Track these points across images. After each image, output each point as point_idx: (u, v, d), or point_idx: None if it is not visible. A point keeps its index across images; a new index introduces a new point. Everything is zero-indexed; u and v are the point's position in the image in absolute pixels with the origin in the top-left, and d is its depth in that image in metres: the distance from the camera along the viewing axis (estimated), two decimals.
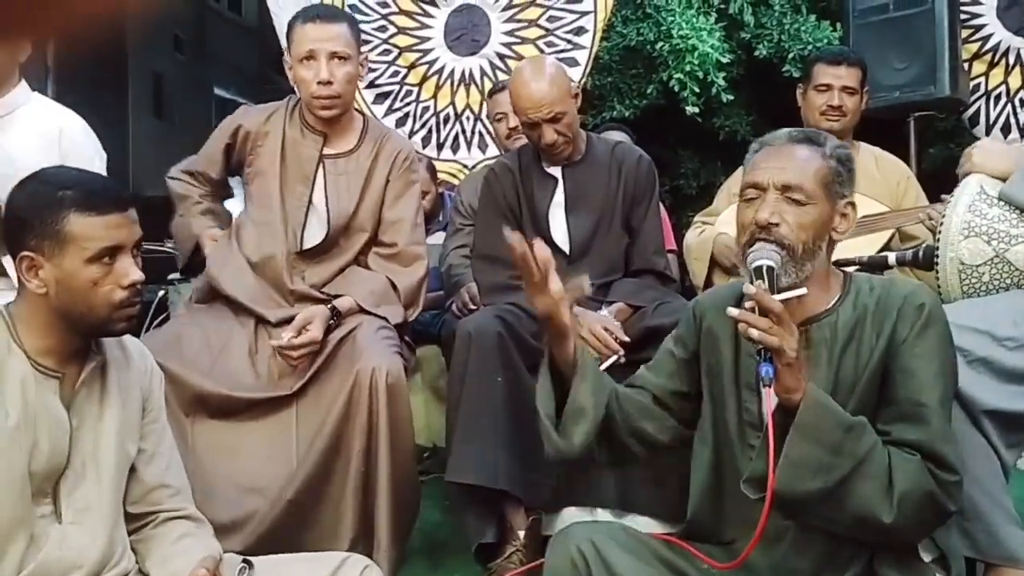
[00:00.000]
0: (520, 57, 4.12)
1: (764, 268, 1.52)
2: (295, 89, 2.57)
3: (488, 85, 4.28)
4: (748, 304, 1.46)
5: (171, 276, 3.70)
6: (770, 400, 1.43)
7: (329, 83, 2.42)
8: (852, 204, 1.66)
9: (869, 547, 1.55)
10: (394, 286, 2.50)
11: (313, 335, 2.32)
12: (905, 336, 1.55)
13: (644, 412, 1.72)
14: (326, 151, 2.54)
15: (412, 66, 4.35)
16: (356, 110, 2.67)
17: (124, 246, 1.61)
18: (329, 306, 2.41)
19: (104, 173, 2.42)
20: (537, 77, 2.56)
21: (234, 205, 2.82)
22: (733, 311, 1.47)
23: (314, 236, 2.52)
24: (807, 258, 1.58)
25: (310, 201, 2.51)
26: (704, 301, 1.79)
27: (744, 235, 1.61)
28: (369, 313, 2.43)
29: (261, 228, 2.52)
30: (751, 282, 1.53)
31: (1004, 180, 2.02)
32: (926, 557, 1.60)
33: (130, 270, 1.61)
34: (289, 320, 2.41)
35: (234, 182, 2.77)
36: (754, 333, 1.42)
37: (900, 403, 1.53)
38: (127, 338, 1.78)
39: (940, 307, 1.60)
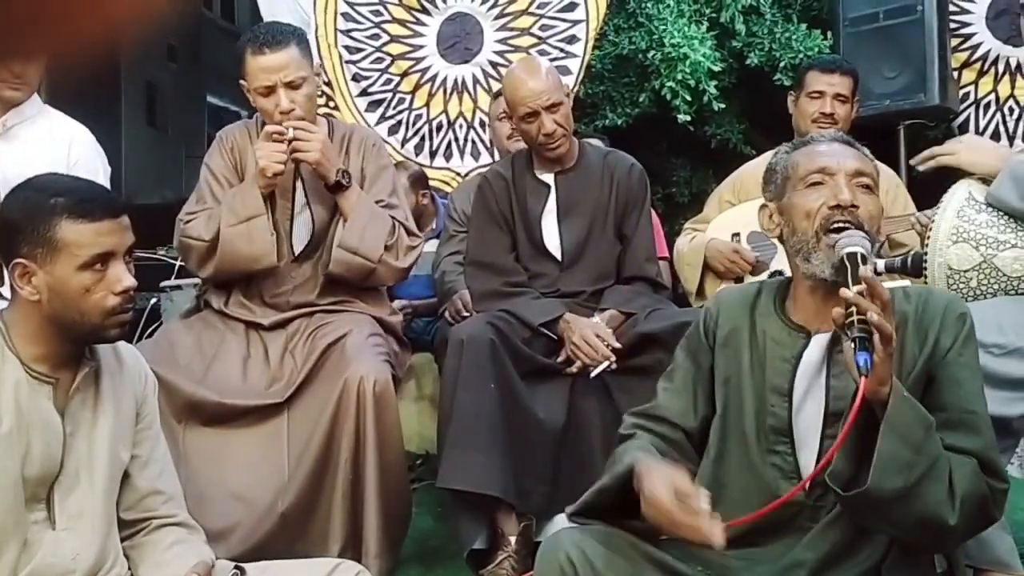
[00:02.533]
0: None
1: (859, 255, 1.48)
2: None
3: (481, 93, 4.29)
4: (857, 288, 1.41)
5: (164, 283, 3.70)
6: (861, 391, 1.38)
7: (290, 111, 2.44)
8: (881, 208, 1.67)
9: (884, 550, 1.53)
10: (395, 224, 2.52)
11: (320, 134, 2.43)
12: (950, 346, 1.55)
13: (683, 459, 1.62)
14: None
15: (405, 74, 4.36)
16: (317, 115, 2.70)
17: (116, 252, 1.62)
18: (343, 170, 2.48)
19: (108, 186, 2.45)
20: (532, 69, 2.65)
21: None
22: (847, 292, 1.41)
23: (302, 240, 2.56)
24: (873, 247, 1.57)
25: (293, 210, 2.55)
26: (717, 305, 1.74)
27: (814, 220, 1.57)
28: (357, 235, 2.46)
29: None
30: (839, 269, 1.49)
31: (991, 179, 2.03)
32: (939, 567, 1.60)
33: (123, 276, 1.62)
34: (283, 324, 2.45)
35: None
36: (873, 317, 1.38)
37: (950, 411, 1.51)
38: (121, 344, 1.79)
39: (973, 319, 1.60)
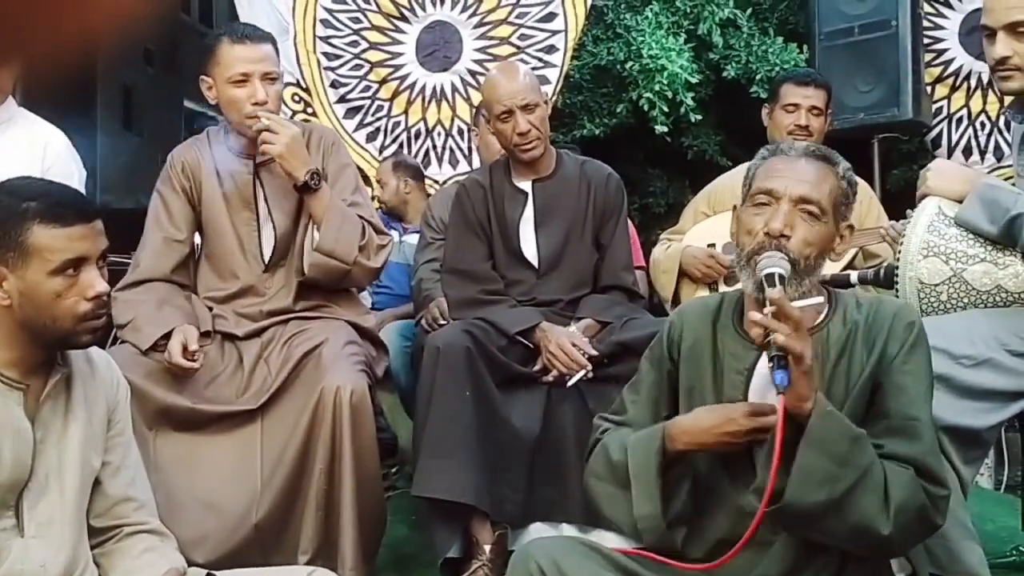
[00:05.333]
0: None
1: (776, 276, 1.52)
2: (219, 109, 2.53)
3: (459, 101, 4.30)
4: (767, 309, 1.45)
5: None
6: (782, 409, 1.42)
7: (265, 103, 2.42)
8: (851, 227, 1.68)
9: (842, 559, 1.55)
10: (364, 226, 2.49)
11: (289, 130, 2.39)
12: (896, 353, 1.57)
13: None
14: (257, 163, 2.53)
15: (383, 81, 4.36)
16: None
17: (89, 257, 1.60)
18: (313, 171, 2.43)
19: (82, 190, 2.43)
20: (510, 71, 2.72)
21: None
22: (755, 315, 1.45)
23: (268, 248, 2.53)
24: (807, 274, 1.59)
25: (258, 219, 2.53)
26: (680, 318, 1.77)
27: (751, 241, 1.60)
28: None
29: (223, 260, 2.53)
30: (759, 288, 1.52)
31: (960, 201, 2.06)
32: (900, 574, 1.61)
33: (95, 282, 1.60)
34: (258, 333, 2.44)
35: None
36: (779, 338, 1.41)
37: (891, 417, 1.53)
38: (94, 350, 1.77)
39: (923, 326, 1.62)
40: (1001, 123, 4.10)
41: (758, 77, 4.31)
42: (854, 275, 2.33)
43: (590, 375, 2.46)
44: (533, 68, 4.09)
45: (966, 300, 2.02)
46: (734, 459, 1.62)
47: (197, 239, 2.62)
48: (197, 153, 2.57)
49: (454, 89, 4.34)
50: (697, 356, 1.70)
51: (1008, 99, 2.26)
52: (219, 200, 2.52)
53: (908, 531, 1.50)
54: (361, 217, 2.50)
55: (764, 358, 1.61)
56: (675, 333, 1.75)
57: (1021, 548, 2.66)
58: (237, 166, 2.54)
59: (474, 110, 3.75)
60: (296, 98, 4.34)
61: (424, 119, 4.36)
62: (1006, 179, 2.82)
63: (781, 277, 1.52)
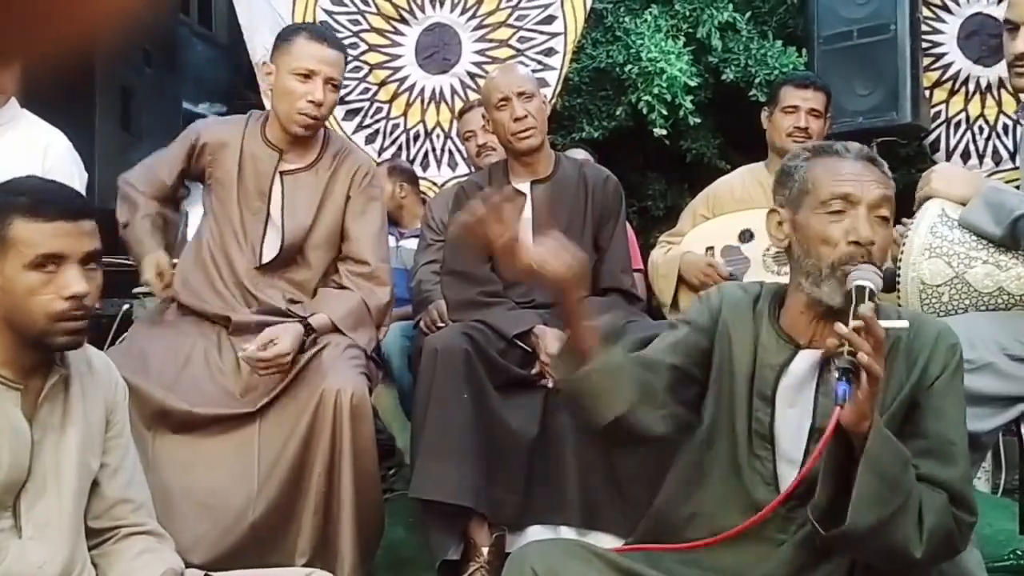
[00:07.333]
0: None
1: (867, 290, 1.47)
2: (265, 98, 2.56)
3: (459, 104, 4.30)
4: (854, 324, 1.41)
5: (136, 290, 3.66)
6: (834, 420, 1.40)
7: (320, 105, 2.44)
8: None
9: (850, 565, 1.54)
10: (368, 307, 2.50)
11: (280, 349, 2.28)
12: (938, 375, 1.55)
13: (649, 399, 1.60)
14: (284, 166, 2.54)
15: (383, 83, 4.36)
16: None
17: (68, 256, 1.58)
18: (303, 323, 2.39)
19: (83, 192, 2.43)
20: (509, 66, 2.87)
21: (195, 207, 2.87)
22: (842, 328, 1.41)
23: (271, 250, 2.53)
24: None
25: (268, 215, 2.52)
26: (720, 298, 1.70)
27: (832, 251, 1.53)
28: (343, 333, 2.43)
29: (222, 239, 2.53)
30: (848, 300, 1.47)
31: (964, 204, 2.06)
32: None
33: (72, 281, 1.57)
34: (255, 326, 2.43)
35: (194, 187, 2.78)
36: (864, 358, 1.37)
37: (929, 439, 1.52)
38: (92, 351, 1.77)
39: (963, 350, 1.60)
40: (999, 127, 4.10)
41: (757, 80, 4.32)
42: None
43: None
44: (532, 71, 4.10)
45: (968, 302, 2.02)
46: (756, 449, 1.60)
47: (191, 231, 2.64)
48: (227, 132, 2.59)
49: (453, 91, 4.34)
50: (733, 340, 1.65)
51: (1013, 105, 2.26)
52: (233, 181, 2.52)
53: (935, 554, 1.49)
54: (365, 303, 2.49)
55: (800, 357, 1.59)
56: (714, 308, 1.69)
57: (1019, 552, 2.67)
58: (263, 154, 2.54)
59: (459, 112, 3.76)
60: None
61: (423, 121, 4.35)
62: (1007, 183, 2.83)
63: (871, 292, 1.47)
